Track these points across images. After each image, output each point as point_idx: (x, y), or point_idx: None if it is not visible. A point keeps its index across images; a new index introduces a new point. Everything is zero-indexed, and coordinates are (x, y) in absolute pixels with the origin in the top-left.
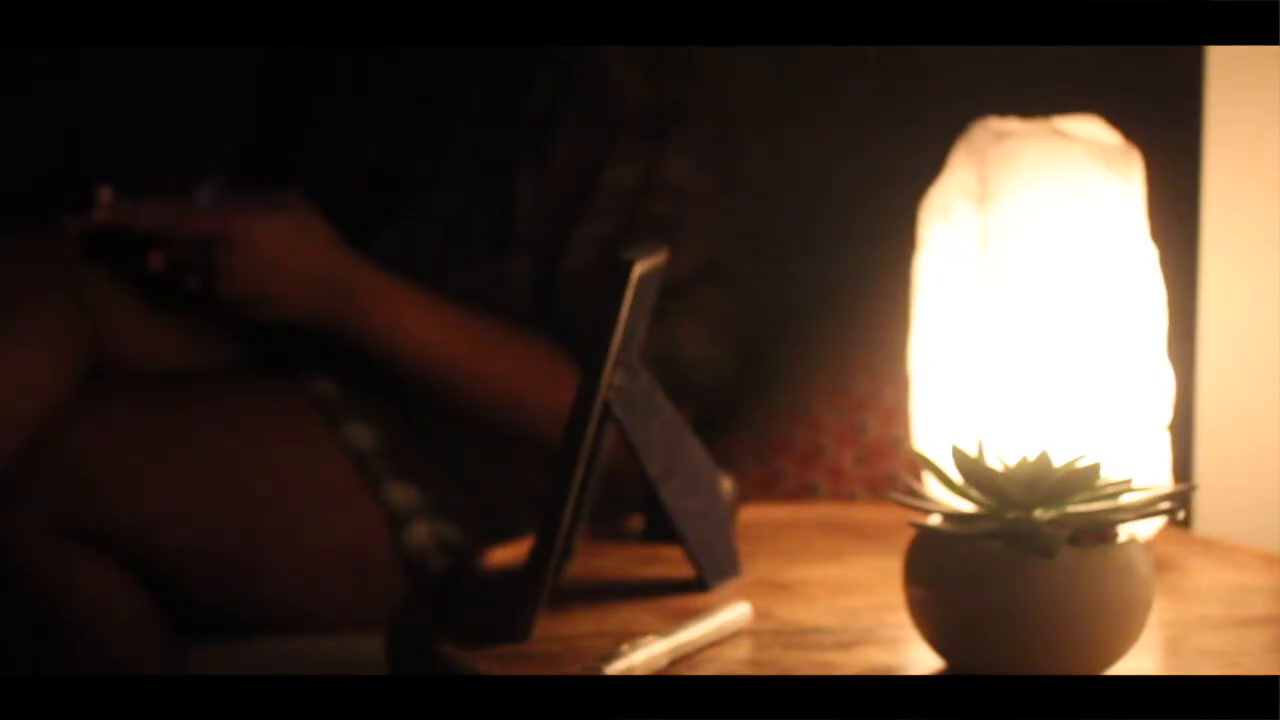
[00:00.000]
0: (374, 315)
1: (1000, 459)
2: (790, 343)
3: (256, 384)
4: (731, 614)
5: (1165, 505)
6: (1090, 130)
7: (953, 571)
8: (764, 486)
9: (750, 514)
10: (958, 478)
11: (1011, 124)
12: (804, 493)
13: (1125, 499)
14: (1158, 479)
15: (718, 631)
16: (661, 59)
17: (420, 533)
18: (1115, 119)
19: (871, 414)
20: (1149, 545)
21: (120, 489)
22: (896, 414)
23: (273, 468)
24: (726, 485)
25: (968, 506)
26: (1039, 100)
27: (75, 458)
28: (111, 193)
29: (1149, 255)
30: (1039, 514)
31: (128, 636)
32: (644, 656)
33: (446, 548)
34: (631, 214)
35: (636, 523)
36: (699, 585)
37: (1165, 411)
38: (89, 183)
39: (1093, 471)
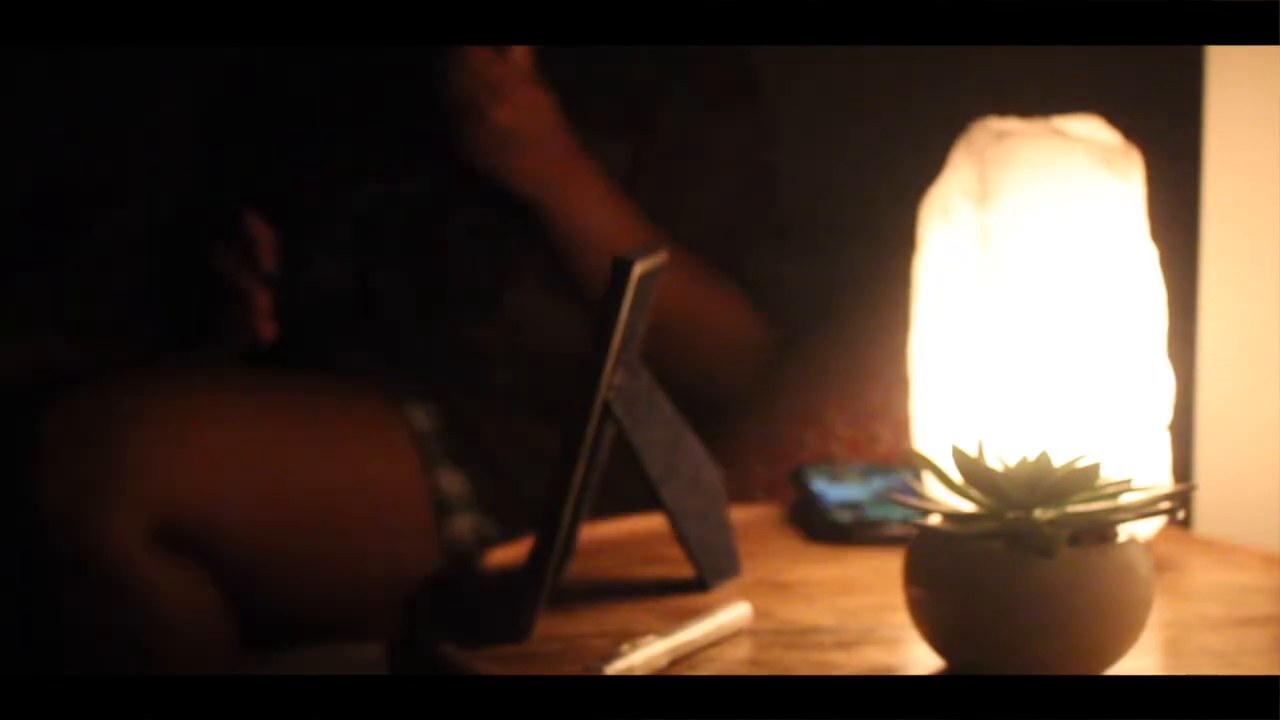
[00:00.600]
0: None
1: (1000, 459)
2: (797, 347)
3: (338, 396)
4: (731, 614)
5: (1165, 505)
6: (1090, 130)
7: (953, 571)
8: (771, 491)
9: (750, 514)
10: (958, 478)
11: (1011, 124)
12: None
13: (1125, 499)
14: (1158, 479)
15: (718, 631)
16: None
17: (463, 524)
18: (1115, 119)
19: (884, 424)
20: (1149, 545)
21: (213, 502)
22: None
23: (358, 488)
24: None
25: (968, 506)
26: (1039, 100)
27: (170, 469)
28: (258, 220)
29: (1149, 255)
30: (1039, 514)
31: (207, 641)
32: (644, 656)
33: (482, 541)
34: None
35: None
36: (699, 585)
37: (1165, 411)
38: (232, 211)
39: (1093, 471)
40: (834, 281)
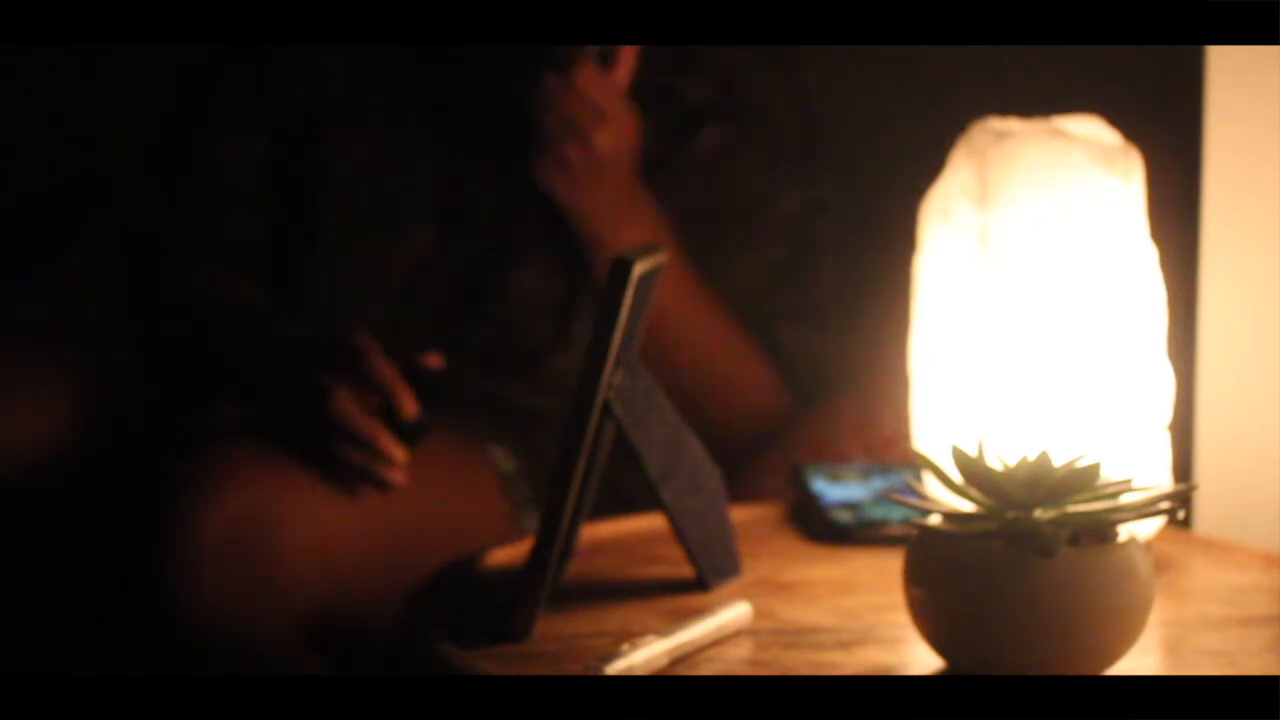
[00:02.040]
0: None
1: (1000, 459)
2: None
3: (445, 452)
4: (731, 614)
5: (1165, 505)
6: (1090, 130)
7: (953, 571)
8: (772, 491)
9: (750, 514)
10: (958, 478)
11: (1011, 124)
12: None
13: (1125, 499)
14: (1158, 479)
15: (718, 631)
16: (795, 80)
17: None
18: (1115, 119)
19: (900, 451)
20: (1149, 545)
21: (351, 593)
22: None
23: (460, 538)
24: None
25: (968, 506)
26: (1039, 100)
27: (315, 575)
28: (383, 357)
29: (1149, 255)
30: (1039, 514)
31: None
32: (644, 656)
33: None
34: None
35: None
36: (699, 585)
37: (1165, 411)
38: (354, 342)
39: (1093, 471)
40: (854, 357)
